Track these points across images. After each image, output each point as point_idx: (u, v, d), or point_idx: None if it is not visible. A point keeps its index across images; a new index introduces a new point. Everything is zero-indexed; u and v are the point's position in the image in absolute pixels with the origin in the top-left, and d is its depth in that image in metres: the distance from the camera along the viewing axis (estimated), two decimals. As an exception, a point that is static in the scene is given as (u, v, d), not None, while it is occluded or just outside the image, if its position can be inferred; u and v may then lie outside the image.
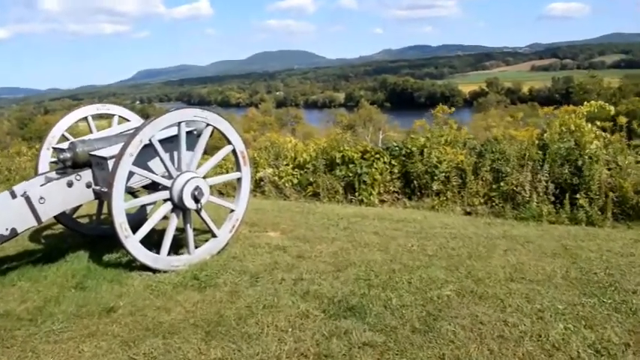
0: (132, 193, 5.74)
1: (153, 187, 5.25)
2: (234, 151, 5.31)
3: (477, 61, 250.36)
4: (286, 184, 10.03)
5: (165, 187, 4.89)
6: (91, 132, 5.98)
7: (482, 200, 8.50)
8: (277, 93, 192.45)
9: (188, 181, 4.84)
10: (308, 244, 5.73)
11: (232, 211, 5.51)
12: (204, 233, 5.76)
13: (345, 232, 6.29)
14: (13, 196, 4.90)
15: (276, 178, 10.21)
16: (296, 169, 10.32)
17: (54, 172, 5.17)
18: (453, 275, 4.54)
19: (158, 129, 4.63)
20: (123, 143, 4.55)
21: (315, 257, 5.22)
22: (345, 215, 7.35)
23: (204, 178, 5.06)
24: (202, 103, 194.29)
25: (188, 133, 5.09)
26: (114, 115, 6.27)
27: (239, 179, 5.48)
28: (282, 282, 4.56)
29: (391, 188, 9.39)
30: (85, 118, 6.08)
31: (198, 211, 5.04)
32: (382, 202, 9.23)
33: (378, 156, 9.64)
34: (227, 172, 9.25)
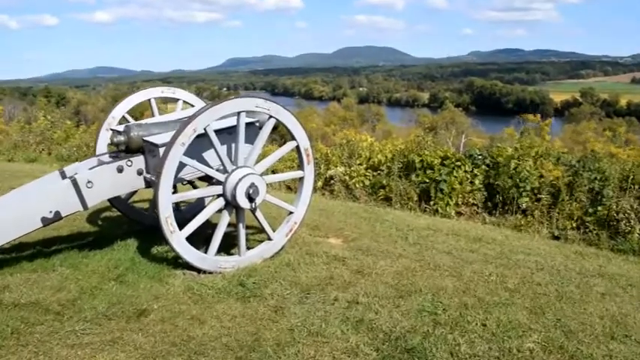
0: (191, 182, 5.40)
1: (208, 179, 4.86)
2: (297, 148, 4.81)
3: (572, 68, 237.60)
4: (357, 185, 9.46)
5: (218, 182, 4.47)
6: (153, 115, 5.67)
7: (574, 224, 7.58)
8: (360, 89, 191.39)
9: (243, 177, 4.38)
10: (370, 257, 5.14)
11: (291, 213, 5.02)
12: (261, 232, 5.30)
13: (414, 247, 5.63)
14: (63, 176, 4.64)
15: (347, 177, 9.66)
16: (369, 170, 9.73)
17: (107, 155, 4.87)
18: (539, 321, 3.78)
19: (215, 118, 4.20)
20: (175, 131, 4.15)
21: (376, 276, 4.62)
22: (416, 227, 6.68)
23: (262, 174, 4.60)
24: (286, 93, 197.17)
25: (249, 124, 4.64)
26: (178, 99, 5.93)
27: (301, 179, 4.97)
28: (334, 302, 4.00)
29: (470, 200, 8.61)
30: (149, 101, 5.76)
31: (252, 211, 4.59)
32: (459, 214, 8.48)
33: (459, 163, 8.87)
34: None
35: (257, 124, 4.88)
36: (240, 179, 4.36)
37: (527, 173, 8.29)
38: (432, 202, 8.56)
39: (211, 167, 4.58)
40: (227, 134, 4.63)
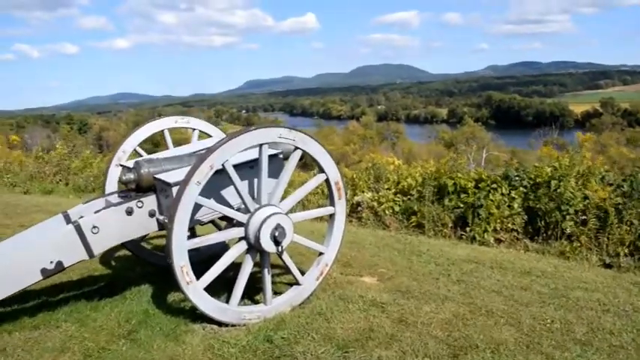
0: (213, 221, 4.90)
1: (229, 219, 4.35)
2: (327, 181, 4.27)
3: (591, 79, 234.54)
4: (386, 212, 8.88)
5: (240, 223, 3.94)
6: (167, 148, 5.20)
7: (626, 250, 6.90)
8: (379, 107, 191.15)
9: (268, 217, 3.85)
10: (412, 301, 4.55)
11: (321, 254, 4.46)
12: (288, 273, 4.74)
13: (459, 286, 5.03)
14: (67, 221, 4.16)
15: (375, 203, 9.09)
16: (398, 195, 9.14)
17: (116, 195, 4.39)
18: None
19: (233, 152, 3.68)
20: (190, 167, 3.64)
21: (422, 325, 4.02)
22: (456, 259, 6.08)
23: (287, 213, 4.07)
24: (305, 114, 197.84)
25: (272, 156, 4.13)
26: (194, 129, 5.45)
27: (331, 216, 4.42)
28: (378, 364, 3.43)
29: (510, 225, 7.96)
30: (162, 133, 5.30)
31: (278, 254, 4.05)
32: (498, 241, 7.83)
33: (495, 185, 8.25)
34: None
35: (281, 155, 4.37)
36: (264, 220, 3.83)
37: (571, 195, 7.65)
38: (468, 229, 7.95)
39: (232, 206, 4.07)
40: (248, 168, 4.12)
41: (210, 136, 5.51)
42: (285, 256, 4.16)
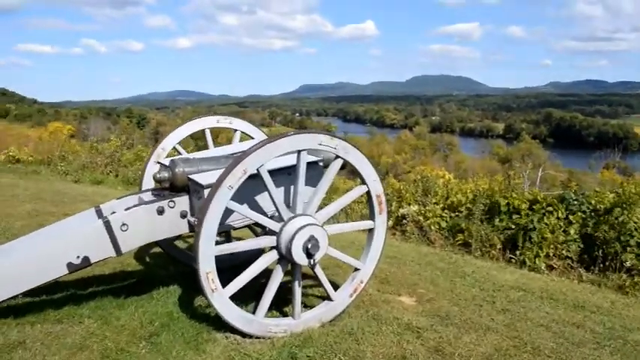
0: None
1: (262, 227, 4.16)
2: (368, 194, 4.01)
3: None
4: (432, 227, 8.52)
5: (272, 232, 3.73)
6: (203, 148, 5.07)
7: (692, 289, 6.33)
8: (433, 117, 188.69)
9: (302, 228, 3.62)
10: (451, 328, 4.22)
11: (356, 270, 4.21)
12: (320, 286, 4.49)
13: (504, 316, 4.66)
14: (99, 215, 4.06)
15: (421, 217, 8.74)
16: (446, 211, 8.77)
17: (150, 193, 4.27)
18: None
19: (270, 157, 3.48)
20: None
21: (459, 358, 3.69)
22: (503, 285, 5.69)
23: (323, 225, 3.84)
24: (358, 120, 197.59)
25: (311, 164, 3.91)
26: (235, 130, 5.30)
27: (370, 230, 4.16)
28: (408, 399, 3.14)
29: (564, 252, 7.47)
30: (203, 132, 5.17)
31: (310, 267, 3.83)
32: (550, 268, 7.35)
33: (550, 209, 7.77)
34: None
35: (321, 163, 4.15)
36: (297, 230, 3.61)
37: (635, 225, 7.11)
38: (518, 252, 7.51)
39: (265, 214, 3.88)
40: (286, 175, 3.92)
41: (252, 138, 5.35)
42: (318, 270, 3.93)
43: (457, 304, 4.86)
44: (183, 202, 3.99)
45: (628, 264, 6.81)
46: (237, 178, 3.39)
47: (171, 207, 3.94)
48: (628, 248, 6.96)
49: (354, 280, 4.18)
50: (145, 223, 3.86)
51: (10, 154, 13.68)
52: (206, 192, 3.60)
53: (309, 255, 3.65)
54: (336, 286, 4.28)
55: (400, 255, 6.76)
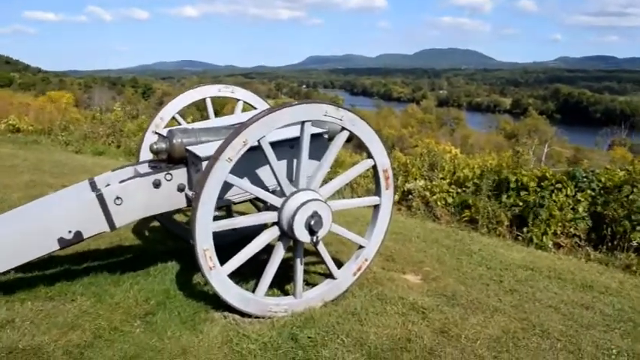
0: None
1: (263, 202, 3.98)
2: (374, 168, 3.82)
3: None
4: (439, 203, 8.33)
5: (273, 207, 3.55)
6: (208, 118, 4.87)
7: None
8: (440, 91, 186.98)
9: (304, 203, 3.44)
10: (458, 309, 4.07)
11: (361, 247, 4.04)
12: (322, 263, 4.33)
13: (512, 297, 4.50)
14: (93, 188, 3.88)
15: (428, 193, 8.55)
16: (453, 186, 8.57)
17: (146, 165, 4.08)
18: None
19: (271, 128, 3.28)
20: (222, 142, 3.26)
21: (467, 341, 3.55)
22: (510, 264, 5.53)
23: (326, 200, 3.65)
24: (365, 93, 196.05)
25: (315, 135, 3.71)
26: (238, 100, 5.08)
27: (376, 206, 3.98)
28: (412, 385, 3.00)
29: (572, 230, 7.29)
30: (204, 101, 4.95)
31: (313, 245, 3.65)
32: (558, 246, 7.18)
33: (559, 185, 7.57)
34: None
35: (326, 136, 3.95)
36: (299, 206, 3.43)
37: (641, 203, 6.91)
38: (525, 230, 7.33)
39: (267, 188, 3.70)
40: (288, 147, 3.73)
41: (255, 108, 5.14)
42: (321, 247, 3.76)
43: (464, 283, 4.70)
44: (180, 174, 3.81)
45: (636, 243, 6.64)
46: (236, 150, 3.20)
47: (168, 180, 3.76)
48: (637, 227, 6.78)
49: (358, 258, 4.02)
50: (140, 196, 3.69)
51: (10, 122, 13.48)
52: (204, 164, 3.41)
53: (312, 232, 3.47)
54: (339, 264, 4.12)
55: (405, 231, 6.59)
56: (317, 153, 3.71)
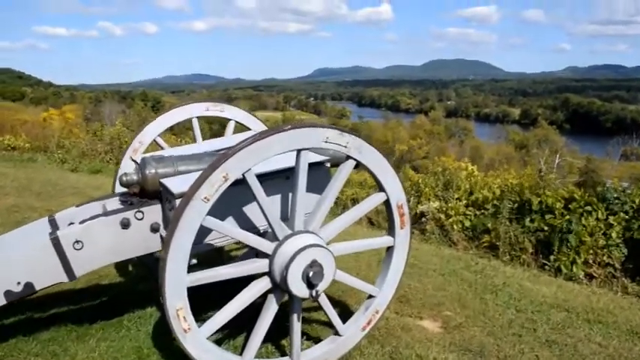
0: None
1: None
2: (387, 203, 3.17)
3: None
4: (455, 227, 7.67)
5: (264, 254, 2.91)
6: (195, 141, 4.25)
7: None
8: (448, 102, 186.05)
9: (301, 250, 2.79)
10: (488, 369, 3.40)
11: (371, 296, 3.38)
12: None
13: (550, 351, 3.82)
14: (53, 227, 3.26)
15: (443, 215, 7.90)
16: (470, 208, 7.91)
17: (117, 199, 3.46)
18: None
19: (259, 158, 2.64)
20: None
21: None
22: (541, 303, 4.85)
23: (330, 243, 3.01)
24: (373, 105, 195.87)
25: (314, 165, 3.07)
26: (229, 119, 4.46)
27: (389, 248, 3.32)
28: None
29: (605, 259, 6.59)
30: (191, 122, 4.33)
31: (313, 299, 3.00)
32: (590, 277, 6.49)
33: (589, 208, 6.88)
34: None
35: (328, 164, 3.31)
36: (296, 253, 2.78)
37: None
38: (552, 258, 6.65)
39: (256, 229, 3.06)
40: (283, 179, 3.09)
41: (249, 129, 4.51)
42: (323, 300, 3.11)
43: (492, 334, 4.02)
44: (154, 212, 3.18)
45: (684, 276, 5.94)
46: (215, 187, 2.56)
47: (138, 219, 3.13)
48: (682, 256, 6.08)
49: (367, 309, 3.36)
50: (105, 239, 3.06)
51: (6, 142, 12.97)
52: (178, 203, 2.78)
53: (311, 285, 2.82)
54: (346, 313, 3.46)
55: (420, 262, 5.93)
56: (317, 186, 3.07)
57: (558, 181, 8.36)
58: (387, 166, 3.06)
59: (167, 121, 4.24)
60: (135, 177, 3.22)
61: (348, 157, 2.93)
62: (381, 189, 3.11)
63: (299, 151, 2.76)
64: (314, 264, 2.80)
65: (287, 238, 2.85)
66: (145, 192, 3.23)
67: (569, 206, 6.97)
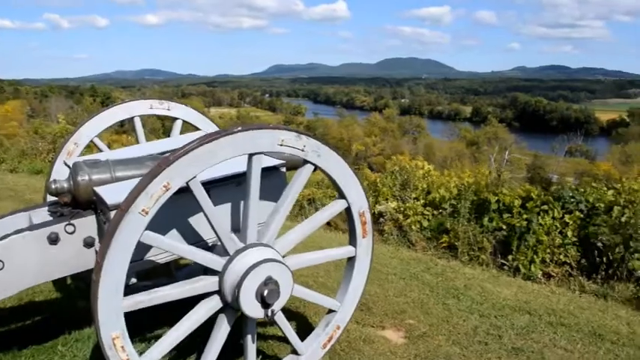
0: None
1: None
2: (348, 211, 2.92)
3: (620, 87, 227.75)
4: (413, 227, 7.52)
5: (213, 271, 2.60)
6: (137, 142, 3.89)
7: None
8: (402, 100, 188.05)
9: (255, 266, 2.50)
10: (456, 385, 3.20)
11: (331, 311, 3.13)
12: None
13: (518, 358, 3.66)
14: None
15: (401, 216, 7.74)
16: (428, 208, 7.77)
17: (46, 209, 3.07)
18: None
19: (206, 164, 2.34)
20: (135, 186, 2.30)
21: None
22: (503, 306, 4.75)
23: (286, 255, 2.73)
24: (328, 102, 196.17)
25: (268, 170, 2.80)
26: (176, 118, 4.11)
27: (351, 259, 3.07)
28: None
29: (561, 257, 6.56)
30: (132, 121, 3.96)
31: (268, 320, 2.71)
32: (547, 276, 6.44)
33: (545, 207, 6.83)
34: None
35: (283, 169, 3.03)
36: (248, 269, 2.49)
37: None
38: (510, 257, 6.57)
39: (204, 242, 2.76)
40: (233, 185, 2.80)
41: (198, 129, 4.18)
42: (280, 319, 2.84)
43: (457, 343, 3.83)
44: (87, 224, 2.83)
45: (639, 273, 5.94)
46: (154, 198, 2.25)
47: (69, 232, 2.77)
48: (635, 254, 6.08)
49: (328, 325, 3.10)
50: (30, 257, 2.69)
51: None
52: (113, 215, 2.45)
53: (266, 304, 2.54)
54: (305, 327, 3.20)
55: (379, 264, 5.73)
56: (272, 193, 2.79)
57: (510, 177, 8.31)
58: (348, 170, 2.81)
59: (107, 120, 3.86)
60: (65, 184, 2.86)
61: (306, 162, 2.66)
62: (342, 196, 2.86)
63: (251, 155, 2.47)
64: (269, 281, 2.52)
65: (238, 252, 2.57)
66: (77, 201, 2.87)
67: (526, 205, 6.91)
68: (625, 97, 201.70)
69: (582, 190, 7.40)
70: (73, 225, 2.77)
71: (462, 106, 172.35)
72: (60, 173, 3.53)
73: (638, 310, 5.35)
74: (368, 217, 2.96)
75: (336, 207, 2.90)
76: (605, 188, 7.28)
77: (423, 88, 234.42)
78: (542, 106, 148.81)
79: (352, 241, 3.01)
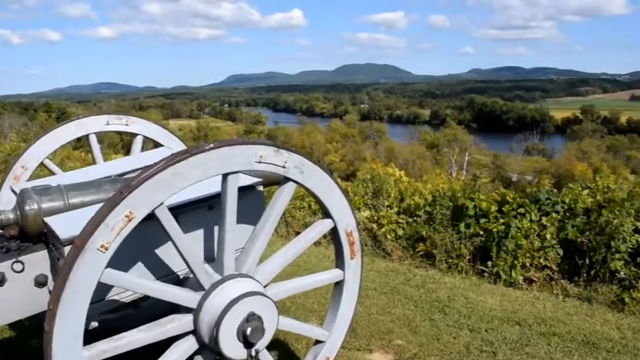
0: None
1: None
2: (334, 231, 2.64)
3: (572, 86, 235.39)
4: (388, 236, 7.28)
5: (186, 309, 2.28)
6: (94, 162, 3.52)
7: None
8: (362, 106, 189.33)
9: (235, 301, 2.19)
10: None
11: (319, 342, 2.83)
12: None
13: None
14: None
15: (374, 225, 7.49)
16: (402, 216, 7.54)
17: (-8, 241, 2.69)
18: None
19: (174, 189, 2.02)
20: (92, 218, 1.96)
21: None
22: (492, 318, 4.57)
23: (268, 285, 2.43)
24: (288, 110, 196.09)
25: (245, 189, 2.49)
26: (136, 134, 3.76)
27: (339, 283, 2.79)
28: None
29: (541, 261, 6.42)
30: (87, 138, 3.60)
31: (252, 358, 2.40)
32: (529, 281, 6.29)
33: (522, 210, 6.69)
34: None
35: (260, 187, 2.73)
36: (228, 306, 2.17)
37: (619, 226, 6.12)
38: (490, 263, 6.39)
39: (175, 275, 2.43)
40: (205, 210, 2.48)
41: (160, 145, 3.83)
42: (264, 354, 2.52)
43: (450, 361, 3.60)
44: (38, 260, 2.46)
45: (622, 274, 5.83)
46: (115, 231, 1.91)
47: (17, 271, 2.40)
48: (617, 254, 5.98)
49: (316, 358, 2.80)
50: (-31, 301, 2.31)
51: None
52: (67, 251, 2.10)
53: (249, 344, 2.23)
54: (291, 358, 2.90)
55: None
56: (249, 215, 2.49)
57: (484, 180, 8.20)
58: (334, 187, 2.53)
59: (57, 139, 3.48)
60: (11, 215, 2.49)
61: (287, 179, 2.36)
62: (327, 215, 2.58)
63: (225, 175, 2.16)
64: (251, 317, 2.21)
65: (215, 286, 2.25)
66: (25, 234, 2.50)
67: (502, 209, 6.76)
68: (577, 95, 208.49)
69: (554, 191, 7.31)
70: (21, 262, 2.40)
71: (420, 109, 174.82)
72: (6, 202, 3.13)
73: (623, 312, 5.23)
74: (356, 236, 2.69)
75: (321, 227, 2.62)
76: (580, 188, 7.20)
77: (381, 92, 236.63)
78: (498, 107, 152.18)
79: (339, 264, 2.73)
